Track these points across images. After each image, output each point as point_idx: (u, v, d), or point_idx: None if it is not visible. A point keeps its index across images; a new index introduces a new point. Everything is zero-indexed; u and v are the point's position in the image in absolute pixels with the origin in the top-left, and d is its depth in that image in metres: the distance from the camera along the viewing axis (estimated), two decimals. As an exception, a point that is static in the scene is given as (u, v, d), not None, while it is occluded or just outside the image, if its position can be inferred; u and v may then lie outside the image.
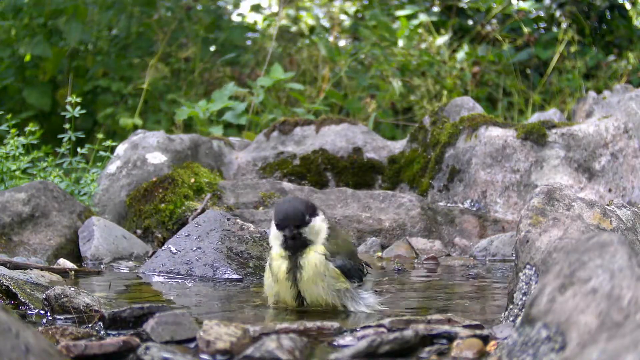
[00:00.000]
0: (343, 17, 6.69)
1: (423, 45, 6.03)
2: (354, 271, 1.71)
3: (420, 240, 2.81)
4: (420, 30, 6.15)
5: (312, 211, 1.71)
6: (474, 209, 3.00)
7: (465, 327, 1.39)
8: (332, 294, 1.68)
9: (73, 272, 2.23)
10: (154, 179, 3.00)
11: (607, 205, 1.68)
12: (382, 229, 2.87)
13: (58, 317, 1.61)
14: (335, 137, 3.42)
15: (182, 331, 1.36)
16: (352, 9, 6.97)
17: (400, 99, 5.46)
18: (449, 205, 3.06)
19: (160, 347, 1.26)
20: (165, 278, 2.20)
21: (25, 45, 5.51)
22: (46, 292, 1.65)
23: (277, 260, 1.70)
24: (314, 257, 1.68)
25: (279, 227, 1.70)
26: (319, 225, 1.70)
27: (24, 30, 5.61)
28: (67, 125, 3.12)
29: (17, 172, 2.97)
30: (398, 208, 2.93)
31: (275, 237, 1.72)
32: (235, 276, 2.18)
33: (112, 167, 3.15)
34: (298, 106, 4.86)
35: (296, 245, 1.68)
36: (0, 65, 5.65)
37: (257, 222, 2.80)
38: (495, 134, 3.07)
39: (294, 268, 1.68)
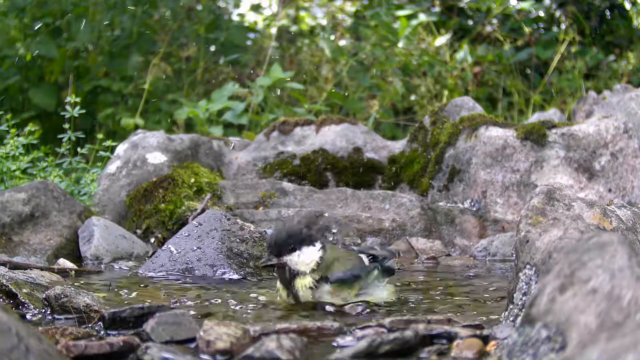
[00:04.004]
0: (344, 17, 6.68)
1: (423, 45, 6.02)
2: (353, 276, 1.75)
3: (420, 240, 2.81)
4: (420, 30, 6.14)
5: (302, 242, 1.74)
6: (474, 209, 3.00)
7: (465, 327, 1.39)
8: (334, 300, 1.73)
9: (73, 272, 2.23)
10: (154, 179, 3.00)
11: (607, 205, 1.68)
12: (382, 229, 2.87)
13: (58, 317, 1.61)
14: (336, 137, 3.42)
15: (182, 331, 1.36)
16: (351, 9, 6.96)
17: (401, 99, 5.45)
18: (449, 205, 3.06)
19: (160, 347, 1.26)
20: (165, 278, 2.20)
21: (28, 45, 5.51)
22: (46, 292, 1.65)
23: (278, 284, 1.79)
24: (304, 283, 1.74)
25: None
26: (306, 257, 1.74)
27: (26, 30, 5.61)
28: (66, 125, 3.12)
29: (17, 172, 2.97)
30: (398, 208, 2.93)
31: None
32: (235, 276, 2.18)
33: (112, 167, 3.15)
34: (299, 106, 4.86)
35: (280, 272, 1.76)
36: (2, 65, 5.65)
37: (257, 222, 2.80)
38: (495, 134, 3.06)
39: (291, 291, 1.75)
